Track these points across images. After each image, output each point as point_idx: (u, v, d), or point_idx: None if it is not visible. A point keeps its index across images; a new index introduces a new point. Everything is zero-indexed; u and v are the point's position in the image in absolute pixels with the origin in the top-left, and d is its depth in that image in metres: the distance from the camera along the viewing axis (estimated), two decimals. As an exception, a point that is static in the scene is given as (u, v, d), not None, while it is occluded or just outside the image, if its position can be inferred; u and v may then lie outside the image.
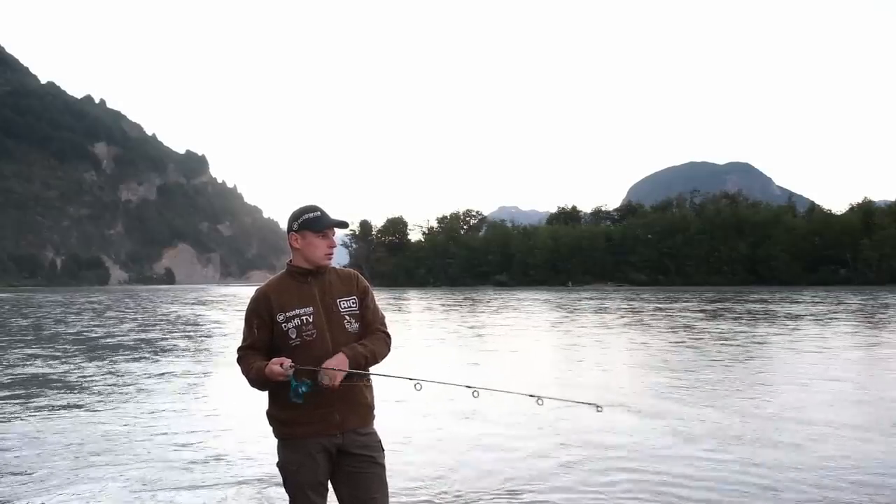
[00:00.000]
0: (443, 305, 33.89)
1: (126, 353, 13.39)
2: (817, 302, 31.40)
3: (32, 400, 8.15)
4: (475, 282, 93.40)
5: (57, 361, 11.98)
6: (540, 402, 2.69)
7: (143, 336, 17.54)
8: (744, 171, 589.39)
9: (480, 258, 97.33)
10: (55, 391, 8.78)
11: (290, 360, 2.52)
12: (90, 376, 10.01)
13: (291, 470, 2.66)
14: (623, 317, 22.98)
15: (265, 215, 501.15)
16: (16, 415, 7.21)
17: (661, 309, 27.45)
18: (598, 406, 2.81)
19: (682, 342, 14.26)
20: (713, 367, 10.54)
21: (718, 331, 16.90)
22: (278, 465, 2.72)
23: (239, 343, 2.77)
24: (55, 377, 10.05)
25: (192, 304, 41.68)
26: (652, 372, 10.17)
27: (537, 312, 26.93)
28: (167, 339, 16.60)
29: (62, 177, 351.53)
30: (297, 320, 2.64)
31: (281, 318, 2.65)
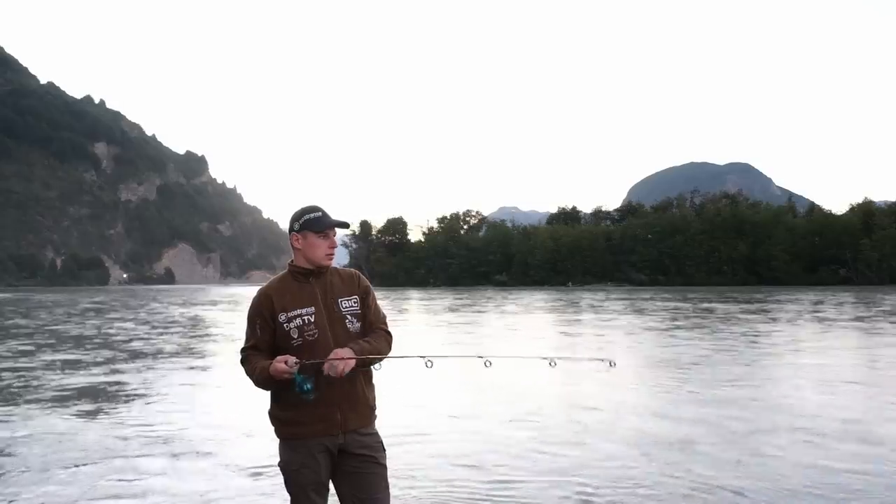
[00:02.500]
0: (469, 307, 32.38)
1: (169, 359, 12.72)
2: (857, 303, 30.32)
3: (131, 419, 7.10)
4: (475, 282, 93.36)
5: (102, 369, 11.18)
6: (553, 363, 2.77)
7: (170, 339, 16.84)
8: (744, 171, 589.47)
9: (480, 258, 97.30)
10: (143, 404, 8.07)
11: (294, 358, 2.52)
12: (164, 387, 9.27)
13: (293, 470, 2.66)
14: (676, 319, 21.53)
15: (265, 215, 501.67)
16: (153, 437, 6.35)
17: (707, 310, 25.75)
18: (610, 362, 2.82)
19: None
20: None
21: (812, 337, 15.33)
22: (280, 465, 2.72)
23: (242, 344, 2.77)
24: (125, 388, 9.18)
25: (202, 305, 40.54)
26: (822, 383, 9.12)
27: (576, 314, 25.66)
28: (198, 344, 15.91)
29: (62, 177, 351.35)
30: (298, 320, 2.65)
31: (283, 318, 2.65)
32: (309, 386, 2.51)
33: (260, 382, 2.64)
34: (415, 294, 57.71)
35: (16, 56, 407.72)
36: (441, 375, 9.34)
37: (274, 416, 2.73)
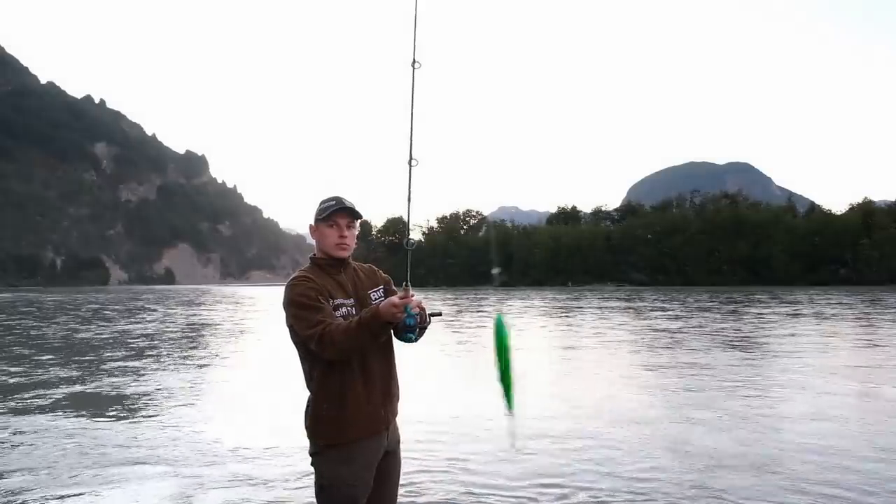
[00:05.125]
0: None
1: (222, 364, 12.03)
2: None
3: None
4: (475, 282, 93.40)
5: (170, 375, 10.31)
6: None
7: (208, 343, 16.03)
8: (744, 171, 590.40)
9: (480, 258, 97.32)
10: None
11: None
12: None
13: (347, 485, 2.44)
14: (736, 321, 19.93)
15: (265, 215, 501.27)
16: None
17: (760, 316, 23.03)
18: None
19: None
20: None
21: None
22: (323, 482, 2.46)
23: (308, 329, 2.38)
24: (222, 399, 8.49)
25: (224, 305, 38.70)
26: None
27: (624, 320, 22.75)
28: (242, 350, 15.10)
29: (62, 177, 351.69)
30: (343, 310, 2.49)
31: (331, 304, 2.48)
32: (412, 321, 2.26)
33: (358, 339, 2.30)
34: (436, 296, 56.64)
35: (16, 56, 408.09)
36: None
37: (320, 417, 2.46)
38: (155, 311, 33.17)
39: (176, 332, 19.53)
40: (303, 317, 2.40)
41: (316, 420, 2.48)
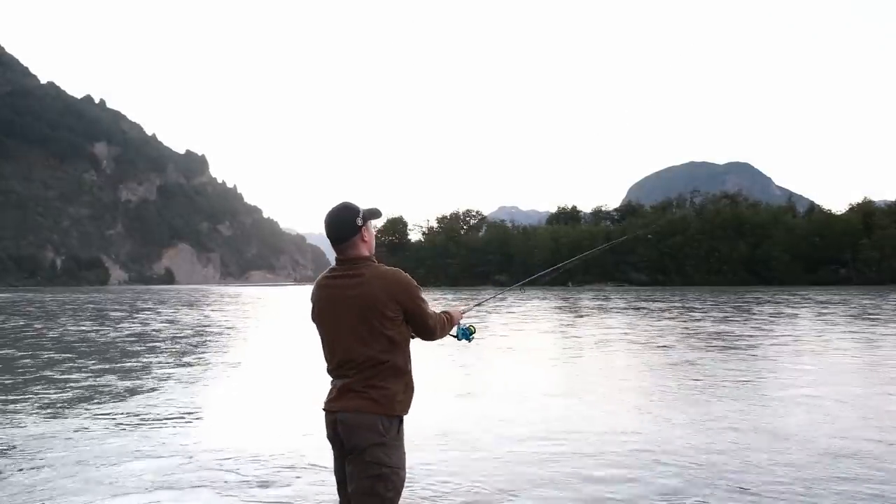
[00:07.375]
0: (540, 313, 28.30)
1: (260, 369, 12.07)
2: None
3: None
4: (475, 282, 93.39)
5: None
6: None
7: (235, 346, 15.87)
8: (744, 171, 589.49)
9: (480, 258, 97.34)
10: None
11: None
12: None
13: (404, 468, 2.48)
14: (789, 322, 19.40)
15: (265, 215, 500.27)
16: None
17: (820, 317, 21.85)
18: None
19: None
20: None
21: None
22: (393, 470, 2.40)
23: (433, 318, 2.69)
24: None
25: (227, 307, 38.12)
26: None
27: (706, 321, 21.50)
28: (276, 355, 14.66)
29: (62, 177, 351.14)
30: None
31: None
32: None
33: (445, 329, 2.80)
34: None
35: (16, 56, 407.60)
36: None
37: (409, 387, 2.55)
38: (161, 312, 32.83)
39: (195, 334, 19.18)
40: (424, 306, 2.63)
41: (405, 392, 2.52)
